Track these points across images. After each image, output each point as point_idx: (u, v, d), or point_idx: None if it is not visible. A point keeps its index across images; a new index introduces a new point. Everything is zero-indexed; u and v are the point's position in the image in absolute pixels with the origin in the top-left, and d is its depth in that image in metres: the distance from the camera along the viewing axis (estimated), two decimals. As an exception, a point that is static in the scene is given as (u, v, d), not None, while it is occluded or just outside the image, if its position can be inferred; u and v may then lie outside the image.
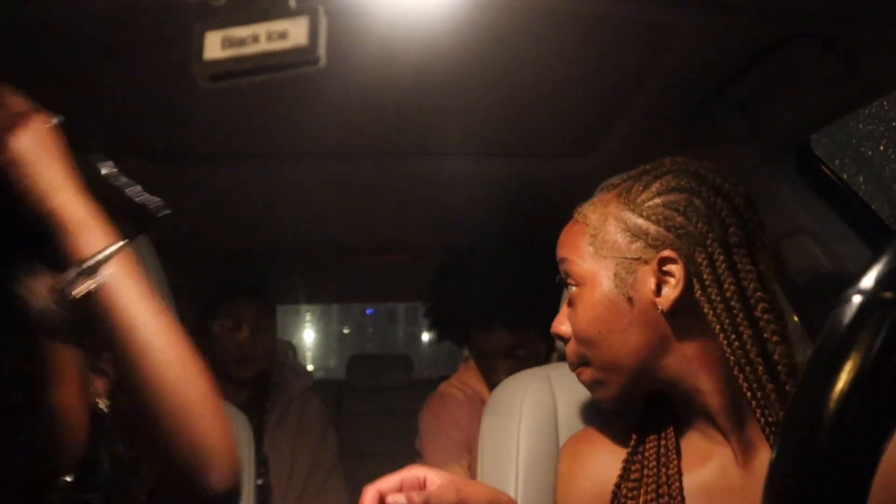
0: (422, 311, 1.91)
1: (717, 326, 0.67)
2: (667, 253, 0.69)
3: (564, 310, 0.79)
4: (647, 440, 0.76)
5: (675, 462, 0.73)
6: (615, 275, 0.72)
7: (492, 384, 1.59)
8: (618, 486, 0.74)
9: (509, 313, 1.53)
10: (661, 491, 0.71)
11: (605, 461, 0.78)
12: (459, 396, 1.65)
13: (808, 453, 0.30)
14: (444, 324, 1.75)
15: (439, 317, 1.75)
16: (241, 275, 1.93)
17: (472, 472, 1.61)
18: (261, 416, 1.65)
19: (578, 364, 0.77)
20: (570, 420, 0.94)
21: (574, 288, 0.76)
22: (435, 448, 1.59)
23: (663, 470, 0.72)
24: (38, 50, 0.93)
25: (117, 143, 1.27)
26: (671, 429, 0.75)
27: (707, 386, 0.70)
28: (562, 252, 0.79)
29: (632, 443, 0.76)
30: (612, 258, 0.72)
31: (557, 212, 1.42)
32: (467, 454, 1.57)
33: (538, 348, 1.59)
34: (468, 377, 1.68)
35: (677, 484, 0.71)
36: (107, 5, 0.84)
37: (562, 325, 0.79)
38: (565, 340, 0.79)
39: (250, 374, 1.66)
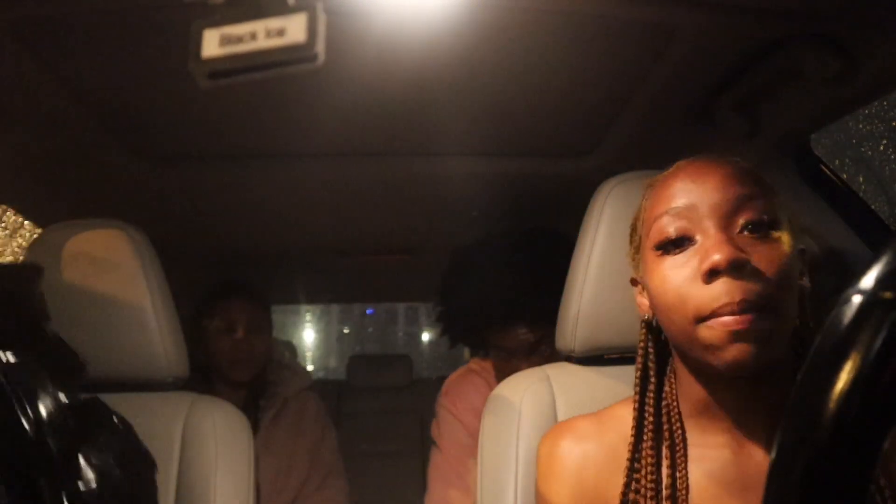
0: (422, 311, 1.85)
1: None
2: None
3: (726, 237, 0.65)
4: (646, 434, 0.74)
5: (683, 454, 0.72)
6: (790, 226, 0.69)
7: None
8: (626, 486, 0.73)
9: (530, 308, 1.41)
10: (666, 482, 0.71)
11: (584, 450, 0.77)
12: (478, 380, 1.57)
13: (807, 453, 0.30)
14: (458, 327, 1.63)
15: (453, 319, 1.63)
16: (240, 275, 1.92)
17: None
18: (255, 415, 1.64)
19: (763, 308, 0.64)
20: (569, 420, 0.94)
21: (765, 228, 0.67)
22: (450, 438, 1.53)
23: (666, 462, 0.72)
24: (38, 50, 0.93)
25: (118, 144, 1.27)
26: (677, 418, 0.74)
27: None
28: (757, 186, 0.69)
29: (630, 437, 0.75)
30: (783, 209, 0.70)
31: (557, 211, 1.42)
32: None
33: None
34: (487, 363, 1.59)
35: (685, 479, 0.71)
36: (105, 5, 0.84)
37: (741, 252, 0.65)
38: (741, 273, 0.64)
39: (246, 376, 1.65)
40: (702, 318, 0.65)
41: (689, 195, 0.69)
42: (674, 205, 0.69)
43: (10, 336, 0.72)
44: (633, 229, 0.78)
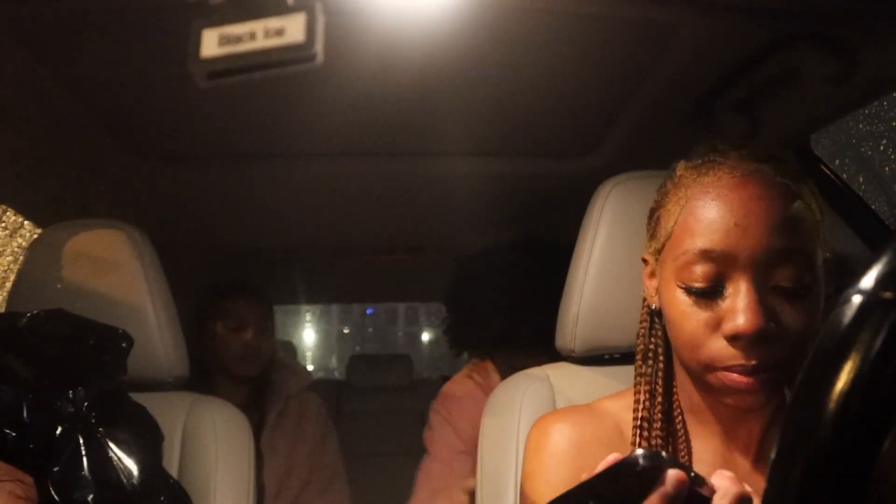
0: (422, 311, 1.82)
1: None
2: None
3: (757, 301, 0.62)
4: (656, 423, 0.73)
5: (688, 450, 0.71)
6: (823, 272, 0.66)
7: None
8: None
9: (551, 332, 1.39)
10: None
11: (577, 440, 0.75)
12: (473, 389, 1.54)
13: (808, 453, 0.30)
14: (469, 341, 1.62)
15: (464, 333, 1.62)
16: (240, 275, 1.93)
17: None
18: (258, 416, 1.65)
19: (773, 367, 0.63)
20: (569, 420, 0.94)
21: (800, 292, 0.64)
22: (442, 444, 1.51)
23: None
24: (38, 50, 0.93)
25: (118, 144, 1.27)
26: (679, 409, 0.73)
27: None
28: (797, 240, 0.64)
29: (633, 427, 0.74)
30: (822, 253, 0.66)
31: (557, 211, 1.42)
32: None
33: None
34: (485, 368, 1.58)
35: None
36: (105, 5, 0.84)
37: (770, 321, 0.62)
38: (763, 341, 0.62)
39: (254, 372, 1.68)
40: (714, 368, 0.64)
41: (729, 238, 0.63)
42: (710, 246, 0.64)
43: (109, 405, 0.79)
44: (655, 220, 0.73)
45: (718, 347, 0.63)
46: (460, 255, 1.68)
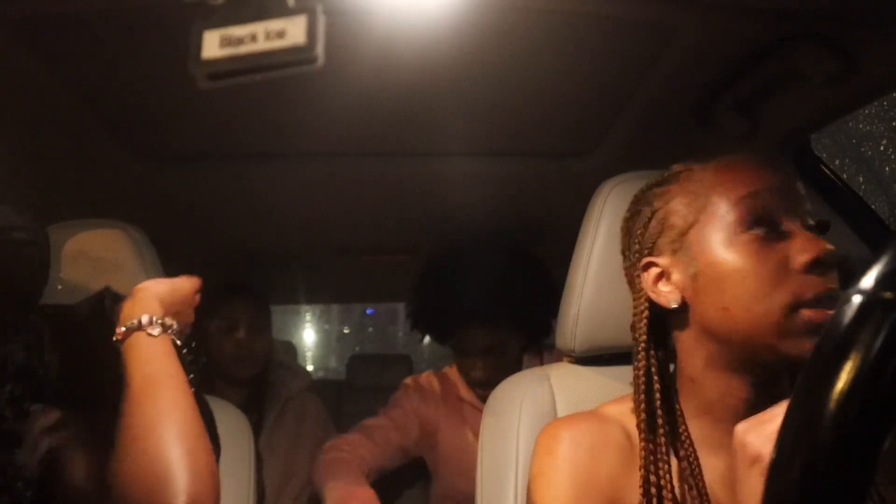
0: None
1: None
2: None
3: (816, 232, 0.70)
4: (659, 437, 0.73)
5: (694, 454, 0.71)
6: None
7: (470, 381, 1.65)
8: (645, 483, 0.71)
9: (487, 312, 1.57)
10: (688, 483, 0.70)
11: (588, 448, 0.75)
12: (435, 381, 1.72)
13: (808, 453, 0.30)
14: (425, 321, 1.77)
15: (422, 314, 1.78)
16: (240, 275, 1.92)
17: (433, 466, 1.68)
18: (258, 416, 1.64)
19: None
20: (569, 420, 0.94)
21: (825, 230, 0.72)
22: (395, 414, 1.67)
23: (684, 464, 0.71)
24: (38, 50, 0.93)
25: (118, 144, 1.27)
26: (682, 419, 0.74)
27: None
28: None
29: (640, 439, 0.74)
30: None
31: (557, 211, 1.42)
32: (402, 455, 1.65)
33: (515, 347, 1.63)
34: (451, 372, 1.74)
35: (700, 479, 0.71)
36: (105, 5, 0.84)
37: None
38: (833, 266, 0.68)
39: (249, 374, 1.66)
40: (798, 305, 0.65)
41: (768, 181, 0.70)
42: (760, 187, 0.70)
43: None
44: (662, 215, 0.75)
45: (800, 281, 0.66)
46: (424, 254, 1.86)
